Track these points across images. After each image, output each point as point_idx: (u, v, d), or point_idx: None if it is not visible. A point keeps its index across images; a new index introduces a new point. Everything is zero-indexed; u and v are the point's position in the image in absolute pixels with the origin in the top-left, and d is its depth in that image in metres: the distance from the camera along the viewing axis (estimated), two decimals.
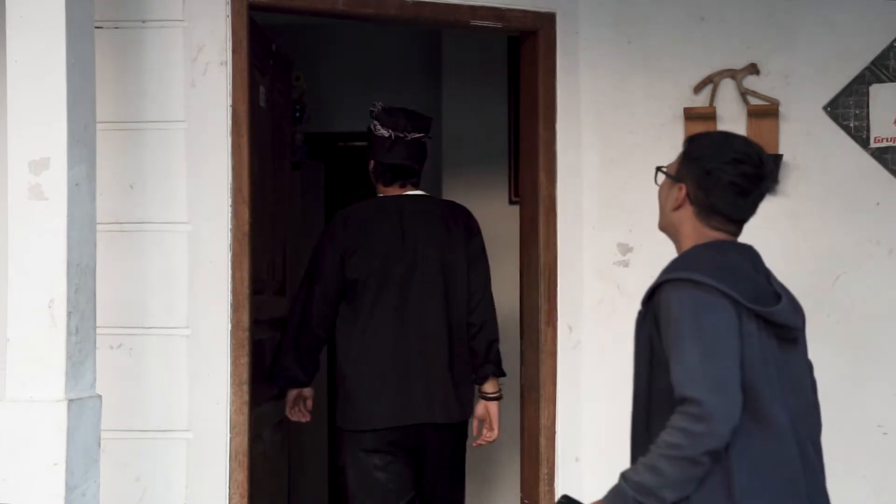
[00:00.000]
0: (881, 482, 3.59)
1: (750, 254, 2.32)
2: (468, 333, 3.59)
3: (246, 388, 3.26)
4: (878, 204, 3.62)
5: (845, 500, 3.61)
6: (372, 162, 3.68)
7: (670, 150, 3.60)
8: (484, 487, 5.05)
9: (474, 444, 3.78)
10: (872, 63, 3.62)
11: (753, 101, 3.61)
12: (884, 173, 3.62)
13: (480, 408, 3.67)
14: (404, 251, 3.55)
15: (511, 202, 5.04)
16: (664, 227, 2.41)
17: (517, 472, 3.92)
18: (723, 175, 2.25)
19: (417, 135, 3.64)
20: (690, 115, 3.59)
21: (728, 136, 2.38)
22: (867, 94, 3.61)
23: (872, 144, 3.62)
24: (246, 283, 3.27)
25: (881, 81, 3.61)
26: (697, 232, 2.30)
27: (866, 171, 3.63)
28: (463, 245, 3.61)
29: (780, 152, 3.59)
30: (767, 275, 2.32)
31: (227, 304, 3.24)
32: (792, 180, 3.62)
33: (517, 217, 4.00)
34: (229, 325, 3.24)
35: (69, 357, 2.62)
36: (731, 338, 2.12)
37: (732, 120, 3.61)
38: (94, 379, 2.75)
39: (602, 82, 3.64)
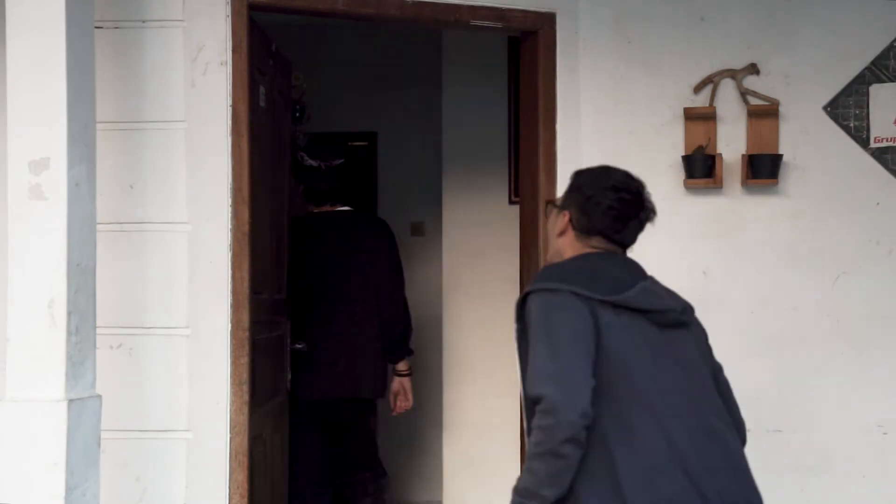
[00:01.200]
0: (881, 482, 3.59)
1: (621, 261, 2.45)
2: (388, 324, 4.26)
3: (246, 388, 3.26)
4: (878, 204, 3.62)
5: (845, 500, 3.62)
6: (303, 187, 4.36)
7: (670, 149, 3.62)
8: (484, 487, 5.04)
9: (391, 414, 4.48)
10: (872, 63, 3.62)
11: (753, 101, 3.61)
12: (884, 173, 3.62)
13: (395, 384, 4.35)
14: (343, 254, 4.21)
15: (511, 202, 5.03)
16: (551, 256, 2.54)
17: (517, 472, 3.91)
18: (602, 199, 2.42)
19: (339, 160, 4.33)
20: (690, 115, 3.59)
21: (609, 168, 2.53)
22: (867, 94, 3.61)
23: (872, 144, 3.62)
24: (246, 283, 3.27)
25: (881, 81, 3.61)
26: (577, 252, 2.45)
27: (866, 171, 3.63)
28: (387, 251, 4.29)
29: (780, 152, 3.59)
30: (641, 277, 2.42)
31: (227, 304, 3.24)
32: (792, 180, 3.62)
33: (517, 217, 4.00)
34: (229, 325, 3.24)
35: (69, 357, 2.62)
36: (579, 333, 2.21)
37: (732, 120, 3.61)
38: (94, 379, 2.75)
39: (602, 82, 3.64)
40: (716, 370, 2.48)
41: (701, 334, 2.47)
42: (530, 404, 2.25)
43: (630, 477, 2.13)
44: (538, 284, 2.32)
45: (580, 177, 2.51)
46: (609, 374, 2.20)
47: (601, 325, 2.23)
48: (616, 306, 2.26)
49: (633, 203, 2.43)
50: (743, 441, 2.43)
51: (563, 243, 2.48)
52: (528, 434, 2.26)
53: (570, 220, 2.45)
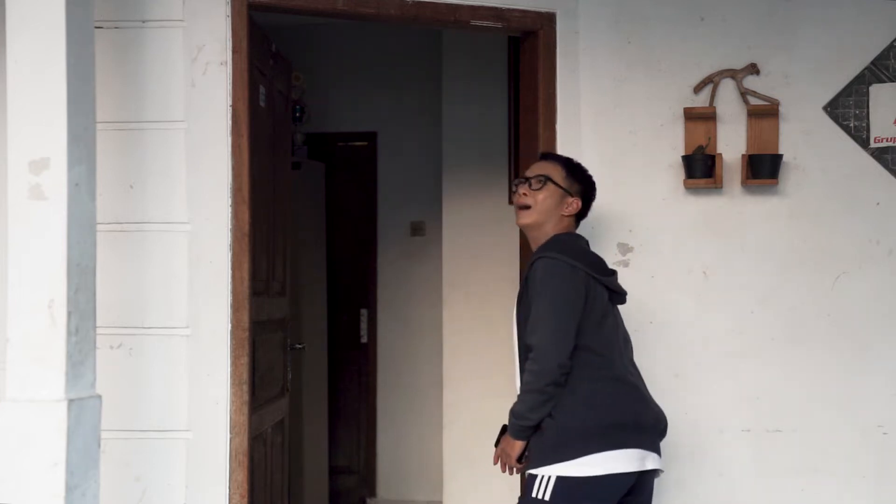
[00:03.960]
0: (881, 482, 3.59)
1: (584, 241, 3.10)
2: None
3: (246, 388, 3.26)
4: (878, 204, 3.62)
5: (846, 500, 3.62)
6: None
7: (670, 150, 3.63)
8: (484, 487, 5.05)
9: None
10: (872, 63, 3.62)
11: (753, 101, 3.61)
12: (884, 173, 3.62)
13: None
14: None
15: (511, 202, 5.03)
16: (542, 222, 3.04)
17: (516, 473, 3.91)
18: (593, 196, 3.14)
19: None
20: (690, 115, 3.59)
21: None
22: (867, 94, 3.61)
23: (872, 144, 3.62)
24: (246, 283, 3.27)
25: (881, 81, 3.61)
26: (567, 228, 3.07)
27: (866, 171, 3.63)
28: None
29: (780, 152, 3.59)
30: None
31: (227, 304, 3.24)
32: (792, 180, 3.62)
33: None
34: (229, 325, 3.24)
35: (69, 357, 2.61)
36: (572, 299, 2.82)
37: (732, 120, 3.61)
38: (94, 379, 2.75)
39: (602, 82, 3.64)
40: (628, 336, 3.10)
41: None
42: (524, 350, 2.86)
43: (588, 398, 2.79)
44: (549, 253, 2.88)
45: (585, 173, 3.13)
46: (588, 330, 2.82)
47: (589, 295, 2.85)
48: (601, 283, 2.90)
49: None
50: None
51: (561, 222, 3.05)
52: (521, 372, 2.88)
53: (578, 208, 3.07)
